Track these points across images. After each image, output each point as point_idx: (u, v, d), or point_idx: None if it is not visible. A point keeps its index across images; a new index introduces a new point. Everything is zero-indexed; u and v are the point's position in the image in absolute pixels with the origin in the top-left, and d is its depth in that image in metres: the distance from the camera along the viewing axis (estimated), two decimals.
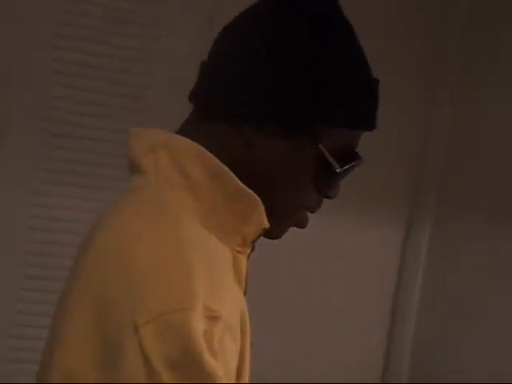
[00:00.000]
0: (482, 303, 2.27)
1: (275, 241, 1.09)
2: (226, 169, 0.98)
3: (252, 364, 1.06)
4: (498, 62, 2.27)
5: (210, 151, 0.98)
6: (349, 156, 1.05)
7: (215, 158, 0.98)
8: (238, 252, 1.03)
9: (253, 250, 1.05)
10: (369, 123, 1.05)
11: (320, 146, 1.00)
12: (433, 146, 2.49)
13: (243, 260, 1.04)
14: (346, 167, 1.03)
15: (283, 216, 1.07)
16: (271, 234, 1.06)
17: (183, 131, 1.02)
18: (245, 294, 1.06)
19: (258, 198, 0.98)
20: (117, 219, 0.99)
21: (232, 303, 0.95)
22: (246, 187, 0.98)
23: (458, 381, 2.26)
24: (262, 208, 0.99)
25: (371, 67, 1.05)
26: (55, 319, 0.99)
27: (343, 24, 1.04)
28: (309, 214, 1.09)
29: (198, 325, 0.85)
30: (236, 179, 0.98)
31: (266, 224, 1.00)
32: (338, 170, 1.02)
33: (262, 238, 1.06)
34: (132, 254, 0.91)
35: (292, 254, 2.29)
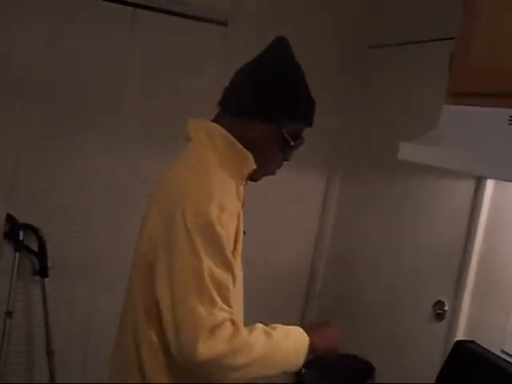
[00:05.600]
0: (368, 220, 3.03)
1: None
2: (234, 138, 1.60)
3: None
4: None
5: (227, 130, 1.60)
6: (298, 137, 1.67)
7: (229, 134, 1.60)
8: (239, 184, 1.62)
9: (246, 183, 1.66)
10: (310, 123, 1.70)
11: (283, 130, 1.63)
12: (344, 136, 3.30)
13: (241, 188, 1.64)
14: (296, 142, 1.65)
15: (262, 169, 1.66)
16: (254, 178, 1.68)
17: (214, 120, 1.65)
18: (242, 206, 1.65)
19: (250, 154, 1.61)
20: (177, 165, 1.59)
21: (233, 207, 1.52)
22: (243, 148, 1.60)
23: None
24: (251, 159, 1.61)
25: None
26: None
27: (300, 69, 1.69)
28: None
29: (214, 210, 1.44)
30: (238, 144, 1.60)
31: (253, 166, 1.61)
32: (292, 144, 1.65)
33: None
34: (182, 179, 1.52)
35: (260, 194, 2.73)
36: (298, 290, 3.36)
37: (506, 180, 1.92)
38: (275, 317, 3.10)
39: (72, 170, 2.85)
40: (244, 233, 1.65)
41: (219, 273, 1.43)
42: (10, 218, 2.76)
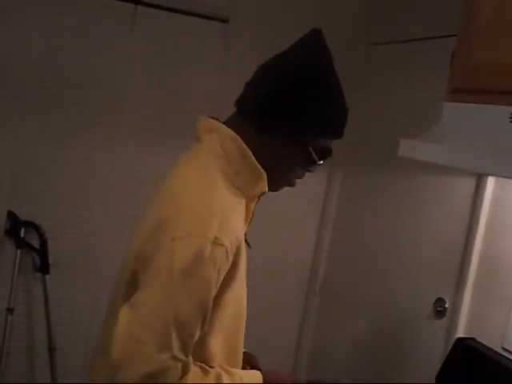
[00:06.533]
0: (369, 216, 3.01)
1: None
2: (249, 152, 1.40)
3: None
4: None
5: (243, 139, 1.40)
6: (326, 151, 1.47)
7: (244, 144, 1.40)
8: (250, 201, 1.46)
9: (258, 200, 1.50)
10: (341, 134, 1.50)
11: (310, 148, 1.43)
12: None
13: (252, 205, 1.48)
14: (323, 161, 1.46)
15: (279, 182, 1.51)
16: (273, 190, 1.49)
17: (228, 123, 1.45)
18: (250, 222, 1.52)
19: (265, 173, 1.42)
20: (179, 172, 1.42)
21: (233, 233, 1.34)
22: (258, 165, 1.41)
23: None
24: (265, 179, 1.42)
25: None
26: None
27: (333, 75, 1.46)
28: None
29: (208, 245, 1.26)
30: (253, 159, 1.40)
31: (265, 189, 1.45)
32: (318, 163, 1.46)
33: None
34: (180, 196, 1.34)
35: None
36: (298, 285, 3.35)
37: (507, 177, 1.92)
38: (276, 313, 3.18)
39: (73, 167, 2.84)
40: (249, 246, 1.53)
41: (188, 318, 1.28)
42: (11, 215, 2.75)
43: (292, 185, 1.53)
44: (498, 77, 1.61)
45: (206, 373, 1.38)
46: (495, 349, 2.08)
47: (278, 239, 3.17)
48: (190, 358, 1.33)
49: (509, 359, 2.02)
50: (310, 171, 1.51)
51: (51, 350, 2.78)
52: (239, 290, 1.46)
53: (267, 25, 2.97)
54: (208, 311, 1.31)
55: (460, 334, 2.27)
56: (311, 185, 3.25)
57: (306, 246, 3.34)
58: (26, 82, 2.70)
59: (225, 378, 1.40)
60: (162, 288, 1.26)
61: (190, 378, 1.32)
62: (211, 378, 1.38)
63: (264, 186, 1.43)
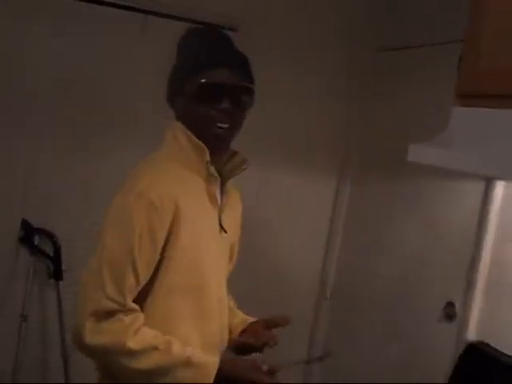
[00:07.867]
0: (379, 221, 3.01)
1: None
2: (190, 132, 1.59)
3: None
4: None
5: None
6: (217, 86, 1.57)
7: (187, 129, 1.60)
8: (208, 183, 1.61)
9: (227, 179, 1.67)
10: (215, 75, 1.59)
11: (185, 87, 1.59)
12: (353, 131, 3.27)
13: (213, 189, 1.63)
14: (206, 81, 1.57)
15: (210, 141, 1.59)
16: (217, 153, 1.62)
17: (176, 118, 1.68)
18: (222, 208, 1.66)
19: (204, 146, 1.57)
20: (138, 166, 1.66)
21: (168, 196, 1.51)
22: (198, 140, 1.58)
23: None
24: (206, 150, 1.57)
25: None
26: None
27: (205, 35, 1.70)
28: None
29: (131, 198, 1.48)
30: (194, 137, 1.58)
31: (207, 158, 1.57)
32: (213, 97, 1.57)
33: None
34: (129, 175, 1.60)
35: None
36: (309, 292, 3.34)
37: None
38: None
39: (85, 175, 2.85)
40: (225, 231, 1.66)
41: (117, 259, 1.46)
42: (24, 224, 2.77)
43: (218, 135, 1.59)
44: (506, 81, 1.62)
45: (157, 336, 1.49)
46: (507, 353, 2.07)
47: (287, 245, 3.17)
48: (139, 311, 1.49)
49: None
50: (223, 111, 1.57)
51: (65, 357, 2.78)
52: (195, 255, 1.57)
53: (277, 33, 2.99)
54: (136, 256, 1.46)
55: (470, 337, 2.27)
56: (321, 189, 3.26)
57: (316, 251, 3.32)
58: (39, 90, 2.71)
59: (175, 347, 1.48)
60: (101, 238, 1.49)
61: (139, 332, 1.45)
62: (161, 342, 1.48)
63: (206, 155, 1.58)
